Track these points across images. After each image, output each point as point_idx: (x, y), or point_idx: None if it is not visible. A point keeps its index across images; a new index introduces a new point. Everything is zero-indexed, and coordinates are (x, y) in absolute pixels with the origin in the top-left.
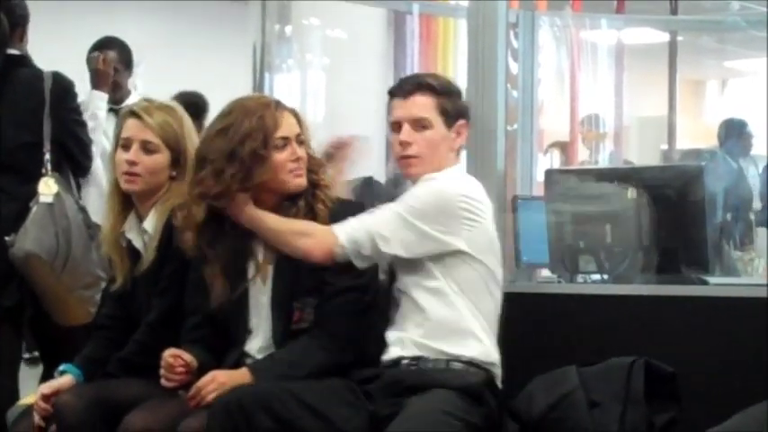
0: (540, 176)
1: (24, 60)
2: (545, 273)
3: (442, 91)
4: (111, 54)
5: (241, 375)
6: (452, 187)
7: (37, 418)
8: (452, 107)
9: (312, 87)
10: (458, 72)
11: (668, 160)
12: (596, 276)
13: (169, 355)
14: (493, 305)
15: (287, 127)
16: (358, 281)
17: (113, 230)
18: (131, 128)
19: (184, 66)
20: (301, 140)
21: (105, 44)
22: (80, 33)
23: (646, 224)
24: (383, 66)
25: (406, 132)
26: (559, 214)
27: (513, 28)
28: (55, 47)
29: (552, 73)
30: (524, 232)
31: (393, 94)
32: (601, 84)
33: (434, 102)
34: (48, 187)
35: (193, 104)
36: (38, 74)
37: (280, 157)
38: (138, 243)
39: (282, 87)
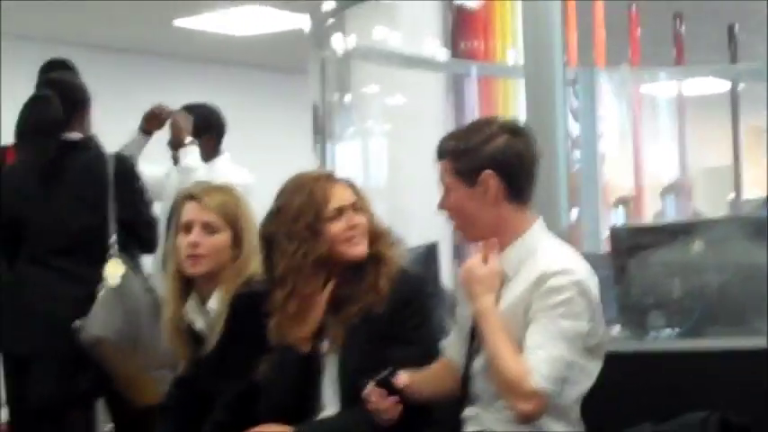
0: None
1: (86, 144)
2: (617, 329)
3: (455, 152)
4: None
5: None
6: (586, 277)
7: None
8: (466, 165)
9: (374, 154)
10: None
11: (736, 210)
12: (667, 331)
13: None
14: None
15: (339, 197)
16: (415, 352)
17: (174, 316)
18: (191, 211)
19: (243, 137)
20: (358, 208)
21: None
22: (138, 108)
23: (713, 277)
24: (444, 130)
25: (440, 200)
26: (626, 270)
27: (571, 85)
28: (115, 121)
29: (614, 128)
30: None
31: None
32: (664, 136)
33: (450, 165)
34: (114, 269)
35: (204, 118)
36: (100, 156)
37: (335, 228)
38: (199, 324)
39: (344, 156)
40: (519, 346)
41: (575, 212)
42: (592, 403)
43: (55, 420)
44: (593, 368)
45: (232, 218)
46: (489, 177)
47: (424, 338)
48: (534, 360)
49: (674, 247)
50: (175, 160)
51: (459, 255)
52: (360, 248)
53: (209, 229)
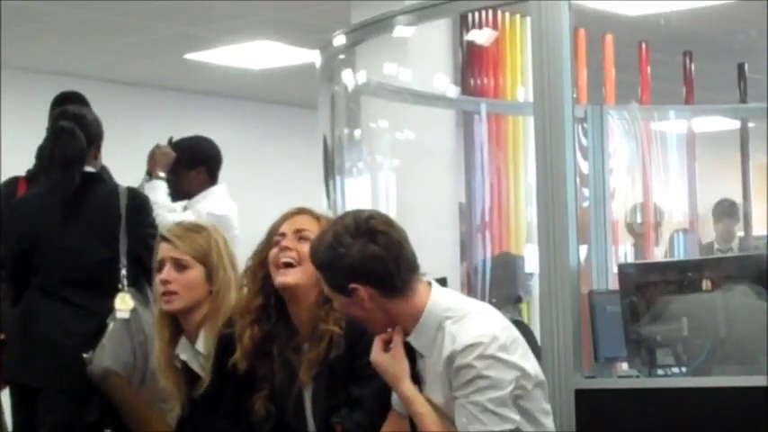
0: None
1: (100, 177)
2: (625, 366)
3: (320, 268)
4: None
5: None
6: (493, 339)
7: None
8: (332, 281)
9: (383, 189)
10: (528, 170)
11: (745, 248)
12: (675, 369)
13: None
14: None
15: (286, 224)
16: (373, 385)
17: (164, 356)
18: (162, 250)
19: (252, 170)
20: (304, 236)
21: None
22: (148, 142)
23: (722, 315)
24: (454, 165)
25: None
26: (634, 308)
27: (581, 123)
28: (125, 155)
29: (623, 165)
30: (602, 327)
31: None
32: (673, 173)
33: (321, 277)
34: (124, 303)
35: (191, 153)
36: (113, 190)
37: (273, 251)
38: (194, 365)
39: (353, 190)
40: (453, 417)
41: (584, 249)
42: None
43: None
44: (544, 403)
45: (202, 254)
46: (357, 290)
47: None
48: None
49: (682, 285)
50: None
51: (468, 289)
52: (282, 278)
53: (179, 266)
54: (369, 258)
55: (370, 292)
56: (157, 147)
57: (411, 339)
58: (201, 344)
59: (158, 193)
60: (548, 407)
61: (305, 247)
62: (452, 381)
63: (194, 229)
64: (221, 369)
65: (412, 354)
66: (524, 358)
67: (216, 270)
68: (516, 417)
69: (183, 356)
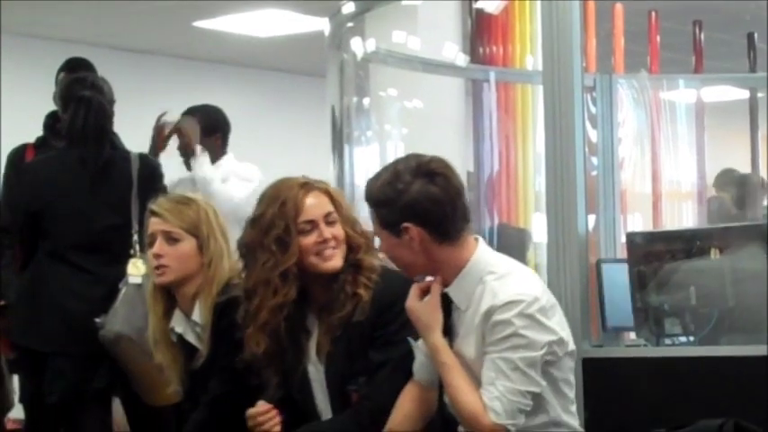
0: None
1: (112, 143)
2: (633, 336)
3: (376, 204)
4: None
5: None
6: (534, 299)
7: None
8: (386, 218)
9: (391, 158)
10: (537, 139)
11: (752, 217)
12: (683, 338)
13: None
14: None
15: (311, 210)
16: (396, 352)
17: (159, 330)
18: (152, 225)
19: (261, 139)
20: (332, 220)
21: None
22: (155, 110)
23: (730, 284)
24: (462, 134)
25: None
26: (642, 277)
27: (590, 92)
28: (133, 122)
29: (632, 134)
30: (609, 296)
31: None
32: (682, 142)
33: (374, 215)
34: (136, 268)
35: (210, 119)
36: (125, 156)
37: (305, 241)
38: (190, 337)
39: (362, 159)
40: (479, 375)
41: (592, 218)
42: (606, 409)
43: (70, 418)
44: (570, 374)
45: (193, 226)
46: (410, 229)
47: (405, 339)
48: (488, 397)
49: (690, 254)
50: (188, 166)
51: None
52: (331, 263)
53: (170, 239)
54: (427, 199)
55: (422, 233)
56: (176, 128)
57: (450, 290)
58: (199, 314)
59: (206, 168)
60: (572, 378)
61: (334, 230)
62: (487, 335)
63: (183, 201)
64: (218, 338)
65: (447, 308)
66: (561, 325)
67: (207, 241)
68: (542, 382)
69: (179, 329)
